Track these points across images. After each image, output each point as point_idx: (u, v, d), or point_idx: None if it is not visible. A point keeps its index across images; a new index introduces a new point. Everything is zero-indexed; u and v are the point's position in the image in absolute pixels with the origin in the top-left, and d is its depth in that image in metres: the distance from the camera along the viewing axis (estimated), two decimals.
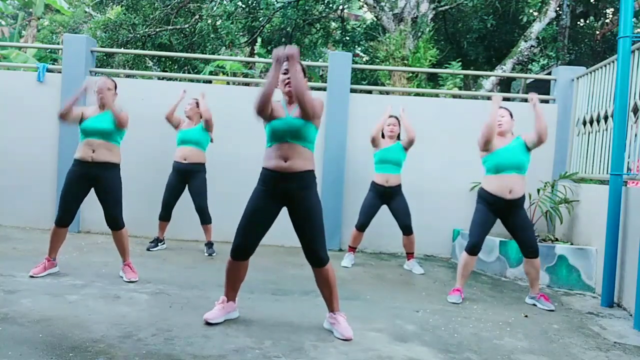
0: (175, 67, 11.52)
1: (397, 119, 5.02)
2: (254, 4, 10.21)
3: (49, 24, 15.63)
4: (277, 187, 3.00)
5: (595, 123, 5.20)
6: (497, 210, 3.94)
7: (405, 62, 8.10)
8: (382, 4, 9.06)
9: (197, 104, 5.22)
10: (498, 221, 4.02)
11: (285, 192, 3.00)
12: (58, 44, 12.50)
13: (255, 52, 12.93)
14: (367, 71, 10.02)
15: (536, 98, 3.98)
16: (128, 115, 4.03)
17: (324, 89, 6.05)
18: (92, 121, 3.90)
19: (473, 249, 3.98)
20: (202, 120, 5.15)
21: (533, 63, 12.64)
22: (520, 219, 3.93)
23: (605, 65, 5.05)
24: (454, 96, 6.64)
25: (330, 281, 3.09)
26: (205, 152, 5.23)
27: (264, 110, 2.92)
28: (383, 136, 5.03)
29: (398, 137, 5.03)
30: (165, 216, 5.24)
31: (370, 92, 7.34)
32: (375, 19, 10.33)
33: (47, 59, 13.30)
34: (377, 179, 4.96)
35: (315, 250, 3.02)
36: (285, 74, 3.01)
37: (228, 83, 9.33)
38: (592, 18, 11.15)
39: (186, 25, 10.69)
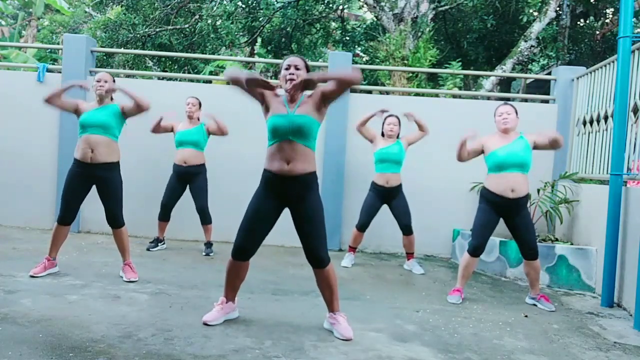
0: (175, 67, 11.52)
1: (397, 118, 5.00)
2: (254, 4, 10.21)
3: (49, 24, 15.63)
4: (278, 189, 3.00)
5: (595, 123, 5.20)
6: (500, 209, 3.91)
7: (405, 62, 8.10)
8: (382, 4, 9.06)
9: (200, 104, 5.22)
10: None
11: (287, 194, 3.00)
12: (58, 44, 12.50)
13: (255, 52, 12.92)
14: (367, 71, 10.02)
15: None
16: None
17: None
18: (91, 114, 3.91)
19: (476, 250, 3.95)
20: (212, 127, 5.16)
21: (533, 63, 12.63)
22: (523, 220, 3.90)
23: (605, 65, 5.05)
24: (454, 96, 6.64)
25: (331, 282, 3.08)
26: (204, 151, 5.22)
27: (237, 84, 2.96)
28: (383, 135, 5.03)
29: (397, 137, 5.02)
30: (164, 217, 5.24)
31: (370, 92, 7.34)
32: (375, 19, 10.33)
33: (47, 59, 13.31)
34: (377, 179, 4.95)
35: (316, 251, 3.01)
36: (287, 69, 2.99)
37: (228, 83, 9.31)
38: (592, 18, 11.14)
39: (186, 25, 10.69)
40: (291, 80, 2.95)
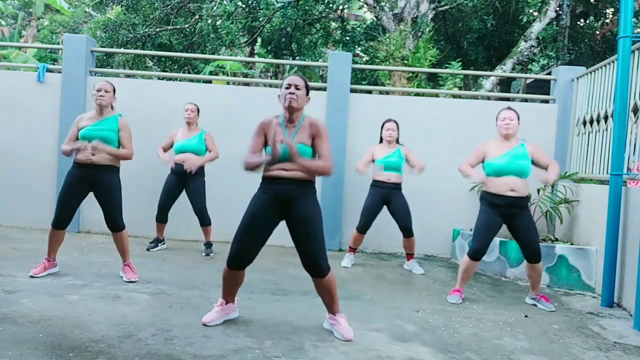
0: (175, 67, 11.53)
1: (395, 123, 4.99)
2: (254, 4, 10.22)
3: (49, 24, 15.64)
4: (276, 193, 2.95)
5: (595, 123, 5.20)
6: (502, 209, 3.86)
7: (405, 62, 8.10)
8: (382, 4, 9.06)
9: (198, 110, 5.19)
10: None
11: (285, 198, 2.94)
12: (58, 44, 12.50)
13: (255, 52, 12.94)
14: (367, 71, 10.02)
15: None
16: (130, 136, 4.00)
17: (324, 89, 6.05)
18: (91, 130, 3.85)
19: (476, 254, 3.90)
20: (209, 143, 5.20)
21: (533, 63, 12.64)
22: (525, 221, 3.87)
23: (605, 65, 5.05)
24: (454, 96, 6.64)
25: (331, 290, 3.03)
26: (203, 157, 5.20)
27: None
28: (381, 140, 5.02)
29: (397, 141, 5.00)
30: (161, 219, 5.22)
31: (370, 92, 7.34)
32: (375, 19, 10.33)
33: (47, 59, 13.30)
34: (377, 177, 4.95)
35: (314, 261, 2.94)
36: (287, 87, 2.97)
37: (228, 83, 9.33)
38: (592, 18, 11.15)
39: (186, 25, 10.69)
40: (290, 99, 2.93)
